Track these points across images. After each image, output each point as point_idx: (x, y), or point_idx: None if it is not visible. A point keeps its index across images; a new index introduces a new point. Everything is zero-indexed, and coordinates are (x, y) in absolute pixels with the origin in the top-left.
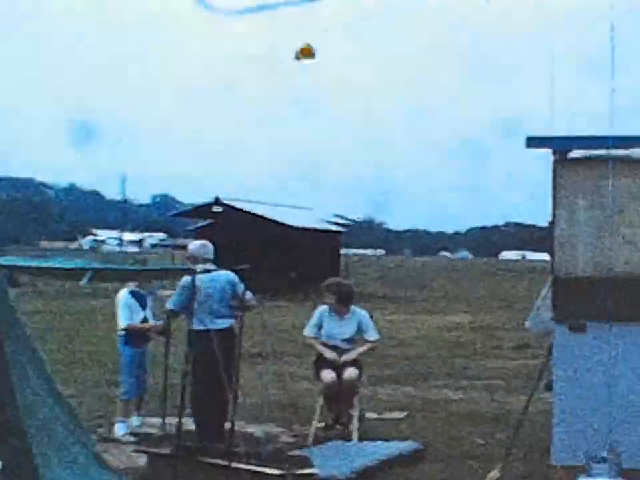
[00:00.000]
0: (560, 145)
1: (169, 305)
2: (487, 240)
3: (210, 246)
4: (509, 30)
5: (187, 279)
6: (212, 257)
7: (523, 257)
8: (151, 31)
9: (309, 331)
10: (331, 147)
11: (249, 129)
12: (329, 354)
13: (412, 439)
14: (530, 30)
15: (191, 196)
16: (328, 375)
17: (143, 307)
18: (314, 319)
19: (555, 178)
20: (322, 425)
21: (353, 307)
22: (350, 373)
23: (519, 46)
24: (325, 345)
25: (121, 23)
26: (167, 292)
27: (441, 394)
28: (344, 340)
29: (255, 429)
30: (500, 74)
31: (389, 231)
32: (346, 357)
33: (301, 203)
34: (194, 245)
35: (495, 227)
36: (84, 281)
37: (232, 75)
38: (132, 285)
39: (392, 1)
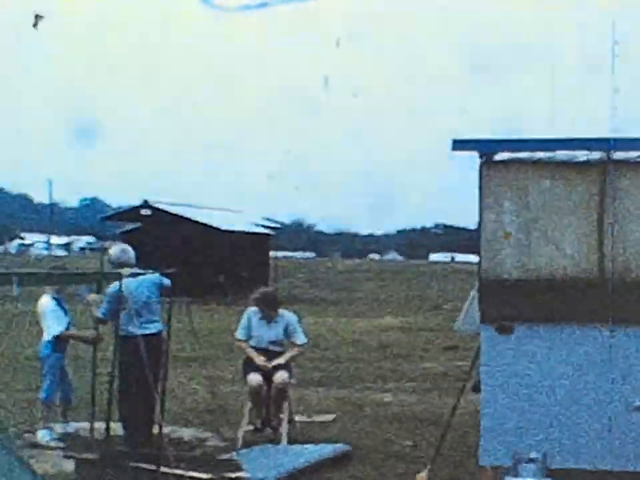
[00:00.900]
0: (486, 148)
1: (98, 314)
2: (416, 242)
3: (130, 250)
4: (509, 30)
5: (113, 285)
6: (133, 261)
7: (452, 258)
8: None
9: (239, 334)
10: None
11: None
12: (259, 360)
13: (341, 442)
14: (530, 30)
15: (122, 199)
16: (254, 378)
17: (65, 312)
18: (243, 322)
19: (481, 180)
20: (251, 428)
21: (281, 311)
22: (280, 376)
23: (519, 46)
24: (255, 348)
25: (120, 22)
26: (95, 296)
27: (369, 396)
28: (272, 343)
29: (183, 433)
30: (500, 74)
31: (318, 233)
32: (275, 362)
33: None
34: (114, 249)
35: (424, 229)
36: (15, 290)
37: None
38: (51, 291)
39: (392, 0)
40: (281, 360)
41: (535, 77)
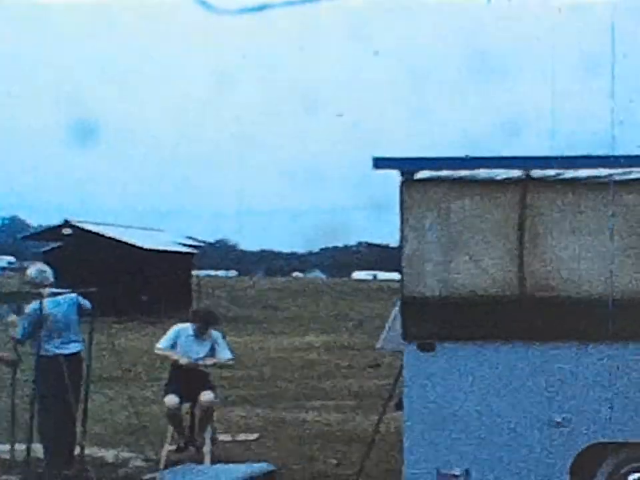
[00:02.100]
0: (407, 166)
1: (17, 335)
2: (339, 260)
3: (48, 270)
4: (509, 30)
5: (32, 305)
6: (51, 280)
7: (375, 276)
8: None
9: (161, 344)
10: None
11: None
12: (183, 360)
13: (265, 461)
14: (530, 30)
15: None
16: (171, 399)
17: None
18: (170, 335)
19: (402, 198)
20: (174, 447)
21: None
22: (206, 396)
23: (519, 46)
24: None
25: (119, 22)
26: (15, 317)
27: (293, 415)
28: (198, 359)
29: (106, 454)
30: (500, 74)
31: (242, 252)
32: (204, 362)
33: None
34: (31, 269)
35: (347, 247)
36: None
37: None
38: None
39: (392, 0)
40: (208, 361)
41: (534, 77)
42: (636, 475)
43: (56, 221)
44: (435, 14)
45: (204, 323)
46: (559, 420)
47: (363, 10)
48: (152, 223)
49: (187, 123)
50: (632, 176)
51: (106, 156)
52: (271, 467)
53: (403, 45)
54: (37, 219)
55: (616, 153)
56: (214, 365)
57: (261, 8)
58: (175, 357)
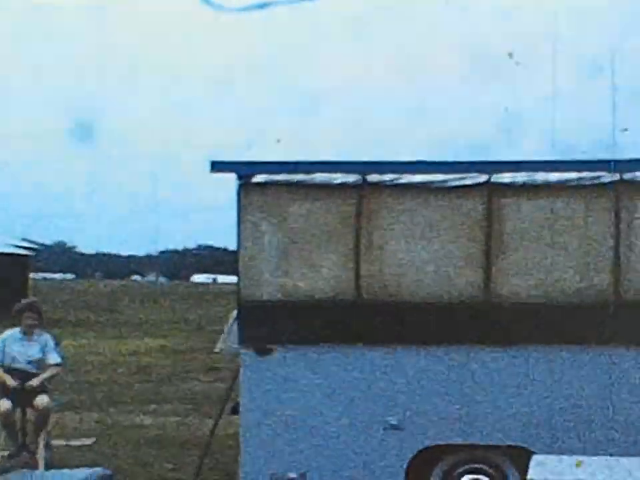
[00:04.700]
0: (244, 170)
1: None
2: (178, 263)
3: None
4: (509, 30)
5: None
6: None
7: (214, 280)
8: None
9: None
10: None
11: None
12: (10, 381)
13: (100, 465)
14: (530, 29)
15: None
16: (4, 404)
17: None
18: None
19: (239, 202)
20: (6, 453)
21: (39, 331)
22: (41, 400)
23: (519, 46)
24: (10, 368)
25: (119, 22)
26: None
27: (130, 419)
28: (29, 363)
29: None
30: (500, 74)
31: (80, 254)
32: (30, 383)
33: None
34: None
35: (187, 250)
36: None
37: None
38: None
39: (392, 1)
40: (35, 381)
41: (535, 77)
42: (470, 477)
43: None
44: (435, 14)
45: (30, 314)
46: (394, 423)
47: (363, 10)
48: None
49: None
50: (466, 182)
51: None
52: (107, 472)
53: (402, 45)
54: None
55: (616, 154)
56: (41, 383)
57: (262, 6)
58: (3, 377)
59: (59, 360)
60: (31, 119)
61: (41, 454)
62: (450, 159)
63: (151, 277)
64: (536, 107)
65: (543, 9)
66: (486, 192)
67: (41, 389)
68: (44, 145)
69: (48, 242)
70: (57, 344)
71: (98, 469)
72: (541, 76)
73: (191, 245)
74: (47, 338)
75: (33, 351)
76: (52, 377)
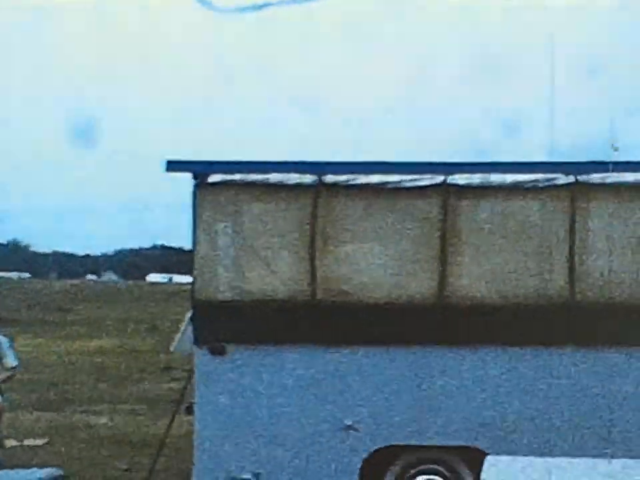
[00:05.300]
0: (199, 169)
1: None
2: (134, 262)
3: None
4: (509, 29)
5: None
6: None
7: (170, 279)
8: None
9: None
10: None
11: None
12: None
13: (53, 466)
14: (530, 29)
15: None
16: None
17: None
18: None
19: (195, 201)
20: None
21: None
22: None
23: (519, 46)
24: None
25: (119, 21)
26: None
27: (83, 419)
28: None
29: None
30: (500, 74)
31: (34, 253)
32: None
33: None
34: None
35: (142, 249)
36: None
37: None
38: None
39: (392, 0)
40: None
41: (535, 77)
42: (424, 477)
43: None
44: (435, 14)
45: None
46: (349, 423)
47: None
48: None
49: None
50: (422, 183)
51: None
52: (60, 472)
53: (402, 44)
54: None
55: (617, 155)
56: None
57: (261, 7)
58: None
59: (15, 363)
60: None
61: None
62: (450, 159)
63: (106, 277)
64: (535, 107)
65: (542, 9)
66: (442, 193)
67: None
68: None
69: (1, 240)
70: (12, 346)
71: (51, 469)
72: (540, 76)
73: (147, 244)
74: (2, 340)
75: None
76: (7, 379)
